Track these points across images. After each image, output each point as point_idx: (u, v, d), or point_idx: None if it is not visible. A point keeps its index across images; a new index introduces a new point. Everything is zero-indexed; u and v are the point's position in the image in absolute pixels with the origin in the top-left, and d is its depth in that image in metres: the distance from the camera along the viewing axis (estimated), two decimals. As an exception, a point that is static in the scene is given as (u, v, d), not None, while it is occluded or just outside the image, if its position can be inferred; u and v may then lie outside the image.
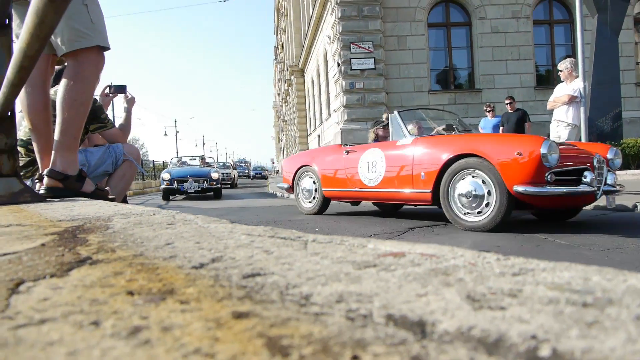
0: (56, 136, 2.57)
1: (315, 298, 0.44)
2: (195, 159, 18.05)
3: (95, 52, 2.54)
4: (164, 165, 36.98)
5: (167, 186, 13.68)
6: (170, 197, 14.62)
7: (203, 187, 13.65)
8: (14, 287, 0.55)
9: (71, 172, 2.60)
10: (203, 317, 0.40)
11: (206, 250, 0.71)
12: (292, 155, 7.47)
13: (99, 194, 2.74)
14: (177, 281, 0.53)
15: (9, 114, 2.45)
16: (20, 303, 0.48)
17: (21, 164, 3.17)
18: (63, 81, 2.53)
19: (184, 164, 16.94)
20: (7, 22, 2.43)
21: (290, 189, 7.26)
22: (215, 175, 14.03)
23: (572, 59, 7.30)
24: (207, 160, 19.42)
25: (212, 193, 14.33)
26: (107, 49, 2.63)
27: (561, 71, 7.21)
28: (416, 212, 6.61)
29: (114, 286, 0.53)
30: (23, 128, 3.36)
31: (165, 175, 13.85)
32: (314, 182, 6.70)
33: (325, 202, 6.58)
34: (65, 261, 0.69)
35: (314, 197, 6.71)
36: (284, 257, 0.62)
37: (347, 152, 6.18)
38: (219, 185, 14.09)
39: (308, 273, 0.53)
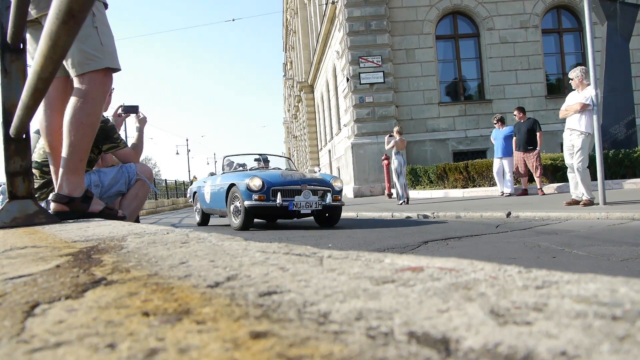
0: (62, 160, 2.58)
1: (334, 316, 0.43)
2: (259, 160, 10.39)
3: (102, 73, 2.55)
4: (177, 184, 37.13)
5: (260, 202, 7.23)
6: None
7: (326, 203, 7.45)
8: (29, 309, 0.55)
9: (77, 194, 2.61)
10: (220, 338, 0.39)
11: (221, 269, 0.70)
12: None
13: (108, 213, 2.75)
14: (192, 301, 0.52)
15: (24, 136, 2.48)
16: (36, 326, 0.48)
17: (36, 185, 3.20)
18: (70, 103, 2.53)
19: (238, 168, 9.89)
20: (21, 47, 2.47)
21: None
22: (339, 185, 8.00)
23: (583, 67, 7.26)
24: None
25: (312, 216, 8.04)
26: (118, 69, 2.65)
27: (572, 79, 7.16)
28: (428, 225, 6.56)
29: (129, 307, 0.52)
30: (37, 150, 3.40)
31: (253, 182, 7.27)
32: None
33: None
34: (80, 282, 0.69)
35: None
36: (300, 274, 0.61)
37: None
38: (342, 202, 7.98)
39: (325, 290, 0.52)
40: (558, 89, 17.35)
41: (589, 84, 7.00)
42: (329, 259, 0.72)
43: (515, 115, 10.48)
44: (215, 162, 77.57)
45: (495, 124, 11.16)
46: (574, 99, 7.13)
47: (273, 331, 0.39)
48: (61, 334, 0.44)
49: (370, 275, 0.57)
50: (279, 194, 7.29)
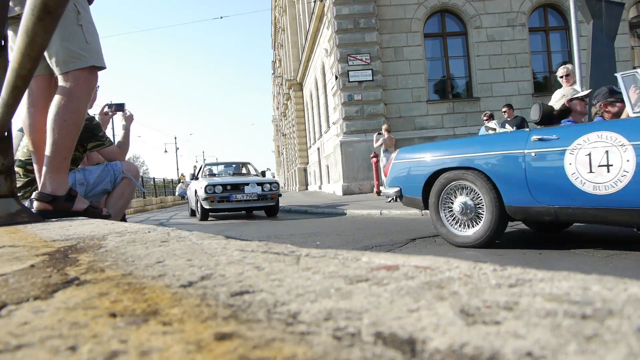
0: (46, 158, 2.55)
1: (303, 316, 0.42)
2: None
3: (87, 71, 2.51)
4: (165, 182, 36.79)
5: None
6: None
7: None
8: (-5, 311, 0.54)
9: (60, 192, 2.58)
10: (184, 340, 0.38)
11: (196, 268, 0.69)
12: None
13: (92, 212, 2.72)
14: (162, 301, 0.51)
15: (6, 134, 2.44)
16: (-1, 328, 0.46)
17: (19, 184, 3.16)
18: (54, 101, 2.50)
19: None
20: (2, 44, 2.43)
21: None
22: None
23: (569, 65, 7.31)
24: None
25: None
26: (103, 68, 2.62)
27: (568, 75, 7.20)
28: (417, 223, 6.58)
29: (97, 308, 0.51)
30: (21, 148, 3.36)
31: None
32: None
33: None
34: (52, 282, 0.68)
35: None
36: (274, 273, 0.61)
37: None
38: None
39: (298, 289, 0.51)
40: (545, 86, 17.47)
41: (575, 82, 7.05)
42: (307, 257, 0.71)
43: (504, 112, 10.53)
44: (204, 160, 77.12)
45: (486, 120, 11.21)
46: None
47: (239, 332, 0.38)
48: (23, 336, 0.43)
49: (345, 274, 0.57)
50: None
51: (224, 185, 10.31)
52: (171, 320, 0.43)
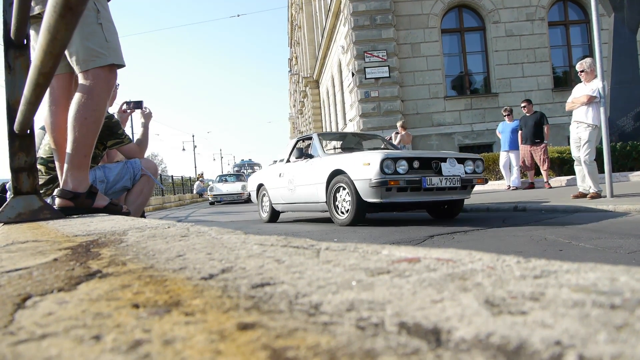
0: (67, 156, 2.59)
1: (325, 307, 0.42)
2: None
3: (107, 69, 2.54)
4: (183, 180, 37.13)
5: None
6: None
7: None
8: (20, 302, 0.54)
9: (81, 190, 2.62)
10: (207, 329, 0.38)
11: (217, 261, 0.70)
12: None
13: (112, 209, 2.75)
14: (184, 293, 0.51)
15: (28, 132, 2.48)
16: (25, 318, 0.47)
17: (41, 181, 3.21)
18: (75, 99, 2.54)
19: None
20: (25, 43, 2.47)
21: None
22: None
23: (590, 58, 7.18)
24: None
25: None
26: (122, 66, 2.65)
27: (583, 71, 7.07)
28: (435, 220, 6.54)
29: (120, 299, 0.51)
30: (43, 146, 3.41)
31: None
32: None
33: None
34: (75, 275, 0.68)
35: None
36: (295, 266, 0.61)
37: None
38: None
39: (319, 281, 0.51)
40: (565, 81, 17.22)
41: (596, 76, 6.93)
42: (326, 251, 0.70)
43: (523, 107, 10.41)
44: (222, 157, 77.56)
45: (506, 116, 11.09)
46: (580, 91, 7.06)
47: (261, 322, 0.38)
48: (48, 326, 0.43)
49: (366, 267, 0.56)
50: None
51: (409, 161, 5.79)
52: (193, 311, 0.44)
